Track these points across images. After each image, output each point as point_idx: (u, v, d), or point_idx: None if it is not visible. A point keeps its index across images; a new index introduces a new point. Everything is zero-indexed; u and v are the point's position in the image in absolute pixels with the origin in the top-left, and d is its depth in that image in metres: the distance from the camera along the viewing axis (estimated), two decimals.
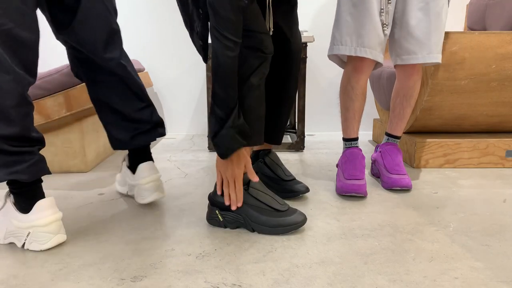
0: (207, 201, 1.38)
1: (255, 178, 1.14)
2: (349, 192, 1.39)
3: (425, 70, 1.71)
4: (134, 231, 1.15)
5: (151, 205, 1.35)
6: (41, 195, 1.06)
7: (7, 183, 1.04)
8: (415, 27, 1.39)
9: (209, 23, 1.03)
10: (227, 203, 1.13)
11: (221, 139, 1.06)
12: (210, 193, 1.20)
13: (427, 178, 1.65)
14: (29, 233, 1.04)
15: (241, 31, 1.02)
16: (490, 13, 2.08)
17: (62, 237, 1.07)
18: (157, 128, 1.35)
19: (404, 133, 1.94)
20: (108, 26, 1.22)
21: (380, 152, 1.59)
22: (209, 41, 1.17)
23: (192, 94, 2.61)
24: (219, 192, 1.15)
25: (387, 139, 1.62)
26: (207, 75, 2.04)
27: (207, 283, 0.88)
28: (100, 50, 1.21)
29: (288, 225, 1.11)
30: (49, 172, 1.07)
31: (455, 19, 2.58)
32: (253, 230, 1.13)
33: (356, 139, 1.52)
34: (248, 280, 0.89)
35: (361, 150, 1.51)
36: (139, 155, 1.36)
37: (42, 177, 1.07)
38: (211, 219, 1.18)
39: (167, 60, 2.57)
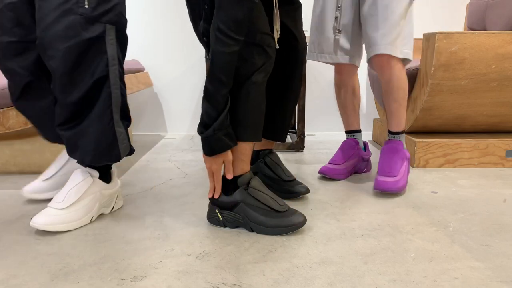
0: (207, 201, 1.38)
1: (229, 175, 1.14)
2: (321, 172, 1.62)
3: (425, 70, 1.71)
4: (134, 231, 1.15)
5: (151, 205, 1.35)
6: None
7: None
8: (366, 24, 1.43)
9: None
10: (210, 194, 1.16)
11: (208, 140, 1.07)
12: None
13: (427, 178, 1.65)
14: (117, 195, 1.30)
15: (244, 29, 1.02)
16: (490, 13, 2.08)
17: None
18: None
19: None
20: None
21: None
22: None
23: (192, 94, 2.61)
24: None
25: (388, 137, 1.61)
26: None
27: (207, 283, 0.88)
28: None
29: (287, 226, 1.11)
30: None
31: (455, 19, 2.58)
32: (252, 230, 1.13)
33: (353, 131, 1.69)
34: (248, 280, 0.89)
35: (354, 140, 1.65)
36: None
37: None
38: (211, 218, 1.18)
39: (167, 60, 2.57)
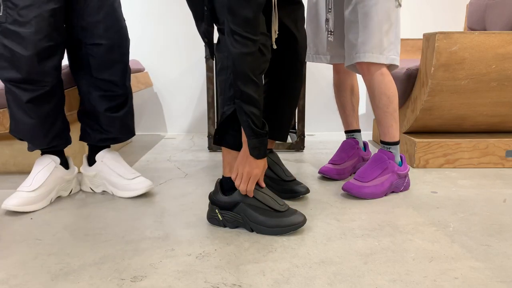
0: (207, 201, 1.38)
1: (263, 184, 1.15)
2: (320, 172, 1.62)
3: (425, 70, 1.71)
4: (134, 231, 1.15)
5: (151, 205, 1.35)
6: None
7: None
8: (347, 30, 1.43)
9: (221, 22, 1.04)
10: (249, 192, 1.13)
11: (263, 142, 1.07)
12: (210, 192, 1.20)
13: (427, 178, 1.65)
14: (74, 180, 1.49)
15: (259, 28, 1.03)
16: (490, 13, 2.08)
17: None
18: None
19: (404, 133, 1.94)
20: None
21: None
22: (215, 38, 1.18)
23: (192, 94, 2.61)
24: (233, 177, 1.14)
25: (380, 146, 1.59)
26: (207, 75, 2.04)
27: (207, 283, 0.88)
28: None
29: (287, 225, 1.11)
30: None
31: (455, 19, 2.58)
32: (252, 230, 1.13)
33: (352, 131, 1.68)
34: (248, 280, 0.89)
35: (353, 140, 1.66)
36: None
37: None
38: (211, 218, 1.18)
39: (167, 60, 2.57)
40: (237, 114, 1.08)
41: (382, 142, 1.48)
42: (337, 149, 1.72)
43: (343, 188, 1.42)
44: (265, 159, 1.12)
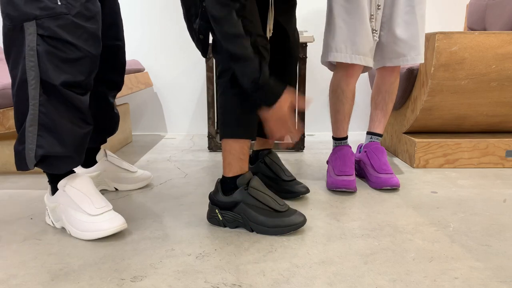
0: (207, 201, 1.38)
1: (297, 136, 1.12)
2: (339, 187, 1.44)
3: (425, 70, 1.71)
4: (134, 231, 1.15)
5: (151, 205, 1.35)
6: None
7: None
8: (403, 31, 1.43)
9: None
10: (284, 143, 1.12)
11: (268, 87, 1.04)
12: (210, 192, 1.20)
13: (427, 178, 1.65)
14: None
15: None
16: (490, 13, 2.08)
17: None
18: None
19: (404, 133, 1.94)
20: None
21: (365, 152, 1.59)
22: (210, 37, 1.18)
23: (192, 94, 2.61)
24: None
25: (371, 138, 1.61)
26: (207, 75, 2.04)
27: (207, 283, 0.88)
28: None
29: (287, 226, 1.11)
30: None
31: (455, 19, 2.58)
32: (252, 230, 1.13)
33: (346, 137, 1.58)
34: (248, 280, 0.89)
35: (350, 148, 1.57)
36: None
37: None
38: (211, 218, 1.18)
39: (167, 60, 2.57)
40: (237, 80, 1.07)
41: (377, 134, 1.61)
42: (338, 159, 1.53)
43: (387, 185, 1.46)
44: (289, 91, 1.08)
